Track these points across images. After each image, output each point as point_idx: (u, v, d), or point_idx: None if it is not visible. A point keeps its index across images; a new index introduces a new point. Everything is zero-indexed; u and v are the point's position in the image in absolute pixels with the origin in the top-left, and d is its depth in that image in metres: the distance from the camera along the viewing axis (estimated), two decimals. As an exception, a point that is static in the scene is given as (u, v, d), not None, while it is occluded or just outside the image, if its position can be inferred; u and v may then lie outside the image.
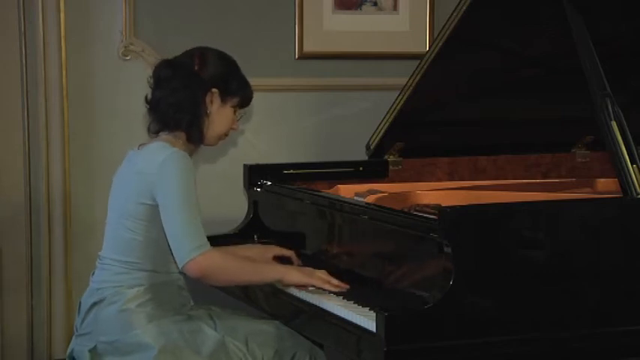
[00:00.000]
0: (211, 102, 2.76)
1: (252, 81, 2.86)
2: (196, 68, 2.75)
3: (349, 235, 2.92)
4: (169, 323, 2.68)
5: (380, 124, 3.36)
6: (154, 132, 2.78)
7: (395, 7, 4.11)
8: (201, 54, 2.78)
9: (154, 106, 2.76)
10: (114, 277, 2.72)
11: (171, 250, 2.64)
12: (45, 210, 3.77)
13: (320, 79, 4.05)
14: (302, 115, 4.06)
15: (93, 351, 2.71)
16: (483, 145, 3.50)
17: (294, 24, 4.00)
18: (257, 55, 3.92)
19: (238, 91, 2.80)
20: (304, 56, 4.02)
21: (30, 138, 3.75)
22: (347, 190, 3.23)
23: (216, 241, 2.76)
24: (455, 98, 3.34)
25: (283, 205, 3.20)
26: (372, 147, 3.41)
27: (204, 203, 2.71)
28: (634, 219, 2.59)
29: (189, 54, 2.79)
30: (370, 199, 2.93)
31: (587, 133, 3.57)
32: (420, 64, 3.17)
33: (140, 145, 2.77)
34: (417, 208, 2.87)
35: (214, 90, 2.75)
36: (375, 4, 4.08)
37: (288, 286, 2.75)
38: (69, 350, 2.81)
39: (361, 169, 3.41)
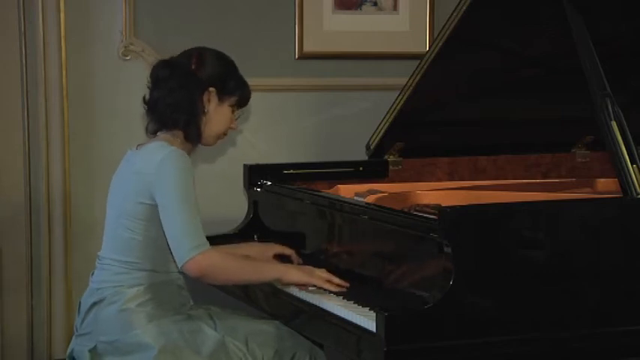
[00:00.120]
0: (208, 101, 2.76)
1: (252, 81, 2.86)
2: (193, 68, 2.75)
3: (349, 236, 2.92)
4: (169, 323, 2.68)
5: (380, 124, 3.36)
6: (152, 132, 2.78)
7: (395, 7, 4.10)
8: (199, 54, 2.78)
9: (151, 106, 2.76)
10: (113, 276, 2.72)
11: (170, 249, 2.64)
12: (45, 210, 3.76)
13: (320, 79, 4.05)
14: (302, 115, 4.06)
15: (93, 351, 2.71)
16: (483, 145, 3.50)
17: (294, 24, 3.99)
18: (257, 55, 3.92)
19: (236, 91, 2.80)
20: (304, 56, 4.01)
21: (30, 138, 3.75)
22: (347, 190, 3.23)
23: (216, 241, 2.77)
24: (455, 98, 3.34)
25: (283, 205, 3.20)
26: (372, 147, 3.41)
27: (203, 203, 2.71)
28: (634, 219, 2.59)
29: (187, 54, 2.79)
30: (370, 199, 2.93)
31: (587, 133, 3.57)
32: (420, 64, 3.16)
33: (138, 145, 2.77)
34: (417, 208, 2.86)
35: (211, 89, 2.75)
36: (375, 4, 4.08)
37: (288, 285, 2.75)
38: (69, 350, 2.81)
39: (361, 169, 3.41)
